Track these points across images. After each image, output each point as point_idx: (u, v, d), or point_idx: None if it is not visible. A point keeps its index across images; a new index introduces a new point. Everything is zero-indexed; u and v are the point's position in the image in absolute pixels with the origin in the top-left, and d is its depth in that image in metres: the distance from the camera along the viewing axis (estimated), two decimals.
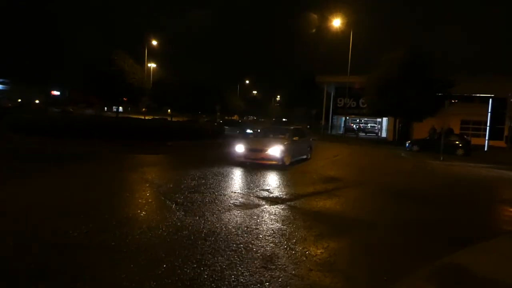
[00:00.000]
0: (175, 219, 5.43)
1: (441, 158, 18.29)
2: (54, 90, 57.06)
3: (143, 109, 41.45)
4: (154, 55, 44.08)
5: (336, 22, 30.11)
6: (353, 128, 44.23)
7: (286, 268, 3.96)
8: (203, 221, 5.38)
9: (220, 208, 6.15)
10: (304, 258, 4.27)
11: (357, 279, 3.86)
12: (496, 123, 32.12)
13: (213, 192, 7.35)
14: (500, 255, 4.63)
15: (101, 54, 31.94)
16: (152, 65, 50.83)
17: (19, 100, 51.26)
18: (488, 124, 32.42)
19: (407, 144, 24.11)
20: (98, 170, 9.49)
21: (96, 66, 30.96)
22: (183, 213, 5.76)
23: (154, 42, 37.39)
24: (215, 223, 5.32)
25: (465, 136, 24.55)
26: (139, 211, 5.77)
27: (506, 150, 26.31)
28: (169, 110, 47.33)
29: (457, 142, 21.94)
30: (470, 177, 13.11)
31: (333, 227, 5.59)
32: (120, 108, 46.50)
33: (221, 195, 7.13)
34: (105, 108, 59.21)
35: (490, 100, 31.63)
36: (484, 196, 9.54)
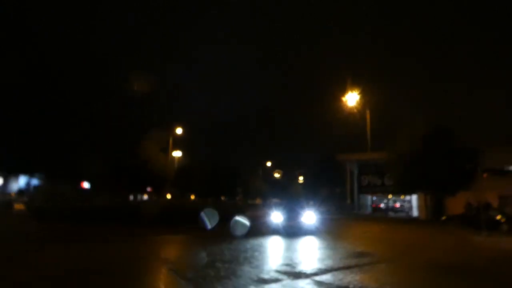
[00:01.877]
0: None
1: (484, 234, 16.54)
2: (83, 182, 59.45)
3: (167, 195, 41.78)
4: (177, 141, 46.13)
5: (353, 99, 31.12)
6: (381, 208, 42.09)
7: None
8: None
9: (235, 284, 5.44)
10: None
11: None
12: None
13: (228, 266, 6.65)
14: None
15: (128, 147, 33.66)
16: (177, 153, 52.97)
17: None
18: None
19: (443, 219, 22.35)
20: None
21: (122, 158, 32.41)
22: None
23: (179, 131, 39.35)
24: None
25: (507, 210, 22.57)
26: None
27: None
28: (192, 196, 47.41)
29: (499, 217, 20.07)
30: None
31: None
32: (145, 197, 47.12)
33: (237, 269, 6.41)
34: (131, 197, 60.06)
35: None
36: None
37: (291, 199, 19.88)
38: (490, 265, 8.67)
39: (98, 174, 34.41)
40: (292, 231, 12.70)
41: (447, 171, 24.11)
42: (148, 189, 42.44)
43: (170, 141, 38.68)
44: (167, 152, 37.62)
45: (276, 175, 74.73)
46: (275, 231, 12.99)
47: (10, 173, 41.66)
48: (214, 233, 13.96)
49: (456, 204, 27.42)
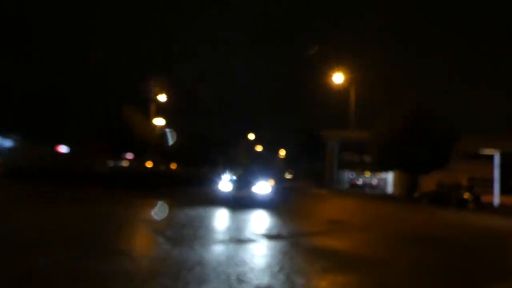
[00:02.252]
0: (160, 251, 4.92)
1: (452, 211, 17.47)
2: (61, 146, 57.84)
3: (148, 163, 41.55)
4: (162, 108, 45.27)
5: (339, 78, 31.12)
6: (358, 184, 43.43)
7: None
8: (191, 253, 4.85)
9: (211, 243, 5.61)
10: None
11: None
12: (504, 178, 31.34)
13: (206, 228, 6.82)
14: None
15: (111, 110, 32.89)
16: (160, 120, 52.12)
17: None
18: (496, 180, 31.61)
19: (416, 197, 23.38)
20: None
21: (106, 120, 31.74)
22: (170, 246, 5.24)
23: (163, 98, 38.53)
24: (204, 255, 4.79)
25: (475, 190, 23.80)
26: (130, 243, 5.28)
27: None
28: (174, 165, 47.37)
29: (467, 196, 21.17)
30: (484, 227, 12.26)
31: (340, 263, 4.98)
32: (124, 164, 46.65)
33: (214, 231, 6.59)
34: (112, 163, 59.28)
35: (496, 155, 31.23)
36: (501, 243, 8.75)
37: (248, 166, 17.50)
38: (452, 236, 9.28)
39: (79, 137, 33.60)
40: (242, 202, 10.97)
41: (424, 152, 24.92)
42: (129, 155, 41.94)
43: (153, 107, 37.90)
44: (149, 118, 36.97)
45: (259, 148, 75.24)
46: (222, 202, 11.21)
47: None
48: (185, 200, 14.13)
49: (429, 183, 28.69)
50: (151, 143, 35.79)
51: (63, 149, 48.11)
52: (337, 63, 35.76)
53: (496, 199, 30.61)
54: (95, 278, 3.66)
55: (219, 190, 11.72)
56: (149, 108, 39.73)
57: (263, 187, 11.44)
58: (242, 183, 11.56)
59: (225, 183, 11.62)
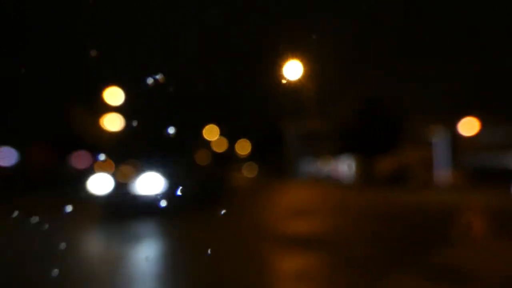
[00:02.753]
0: None
1: (404, 190, 18.71)
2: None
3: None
4: (111, 107, 43.23)
5: (298, 68, 31.61)
6: (317, 172, 44.88)
7: (256, 283, 3.41)
8: None
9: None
10: (277, 272, 3.74)
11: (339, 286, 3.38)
12: (445, 156, 33.96)
13: None
14: (472, 251, 4.41)
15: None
16: (113, 119, 49.62)
17: None
18: (439, 161, 34.21)
19: (369, 179, 24.78)
20: None
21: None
22: None
23: (114, 94, 36.63)
24: None
25: (423, 170, 25.70)
26: None
27: (459, 184, 27.74)
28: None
29: (415, 176, 22.79)
30: (431, 203, 13.27)
31: (307, 246, 5.11)
32: None
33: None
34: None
35: (446, 136, 33.75)
36: (446, 215, 9.53)
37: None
38: (402, 212, 10.01)
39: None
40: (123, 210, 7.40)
41: (378, 139, 26.44)
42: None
43: (102, 102, 35.84)
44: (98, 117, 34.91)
45: (223, 141, 74.67)
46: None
47: None
48: None
49: (384, 166, 30.47)
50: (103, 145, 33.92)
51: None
52: (293, 52, 36.28)
53: (445, 178, 33.20)
54: None
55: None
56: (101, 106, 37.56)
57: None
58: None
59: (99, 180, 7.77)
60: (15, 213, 3.48)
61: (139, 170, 7.76)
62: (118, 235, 5.90)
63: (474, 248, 5.01)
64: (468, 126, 31.71)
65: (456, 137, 31.61)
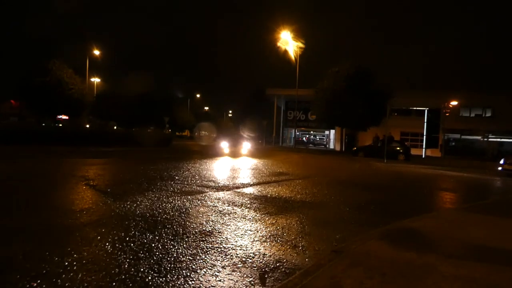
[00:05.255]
0: (101, 204, 4.72)
1: (385, 161, 19.10)
2: None
3: (86, 125, 38.61)
4: (97, 66, 41.74)
5: (286, 36, 30.87)
6: (303, 140, 45.29)
7: (227, 241, 3.51)
8: (134, 206, 4.74)
9: (156, 195, 5.53)
10: (249, 232, 3.85)
11: (305, 246, 3.51)
12: (431, 133, 34.70)
13: (151, 183, 6.67)
14: (443, 220, 4.60)
15: (37, 63, 29.49)
16: (96, 79, 48.12)
17: None
18: (424, 134, 34.93)
19: (354, 150, 25.07)
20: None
21: (32, 76, 28.50)
22: (112, 199, 5.05)
23: (97, 52, 35.28)
24: (148, 207, 4.71)
25: (405, 143, 26.13)
26: (71, 199, 4.96)
27: (441, 158, 28.43)
28: (114, 126, 44.74)
29: (398, 148, 23.18)
30: (410, 173, 13.70)
31: (282, 207, 5.24)
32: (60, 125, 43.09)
33: (160, 185, 6.48)
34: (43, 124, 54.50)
35: (426, 111, 34.20)
36: (423, 185, 9.88)
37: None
38: (379, 181, 10.27)
39: (4, 93, 30.05)
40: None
41: (363, 109, 26.47)
42: (63, 116, 38.68)
43: (87, 62, 34.69)
44: (84, 75, 33.86)
45: (206, 107, 73.83)
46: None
47: None
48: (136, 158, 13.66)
49: (366, 138, 30.87)
50: (87, 103, 33.15)
51: None
52: (283, 22, 35.33)
53: (423, 152, 34.14)
54: (31, 230, 3.43)
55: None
56: (83, 65, 36.31)
57: None
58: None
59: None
60: None
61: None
62: None
63: (437, 215, 5.25)
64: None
65: (441, 113, 32.11)
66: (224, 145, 17.64)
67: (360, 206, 5.78)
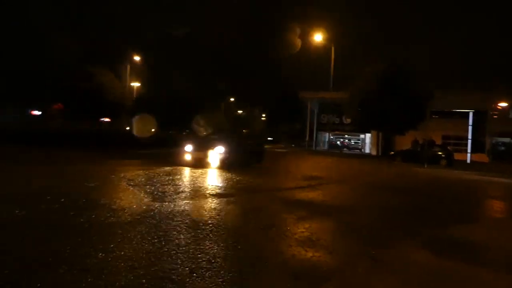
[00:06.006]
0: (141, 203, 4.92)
1: (425, 166, 18.26)
2: (33, 109, 55.47)
3: (126, 127, 40.43)
4: (136, 70, 43.71)
5: (318, 37, 30.56)
6: (337, 144, 44.41)
7: (260, 244, 3.52)
8: (172, 206, 4.89)
9: (192, 196, 5.66)
10: (283, 236, 3.83)
11: (340, 252, 3.44)
12: (477, 137, 32.62)
13: (186, 185, 6.85)
14: (491, 229, 4.31)
15: (80, 69, 31.44)
16: (136, 84, 50.32)
17: None
18: (469, 138, 32.91)
19: (391, 154, 24.16)
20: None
21: (75, 81, 30.43)
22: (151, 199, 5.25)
23: (137, 58, 36.98)
24: (184, 208, 4.84)
25: (448, 147, 24.74)
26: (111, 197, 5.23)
27: (488, 164, 26.62)
28: (152, 129, 46.32)
29: (439, 153, 22.02)
30: (453, 179, 12.97)
31: (315, 212, 5.17)
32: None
33: (195, 186, 6.63)
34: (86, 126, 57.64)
35: (471, 114, 32.26)
36: (467, 192, 9.33)
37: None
38: (419, 186, 9.83)
39: (49, 100, 32.28)
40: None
41: (400, 111, 25.35)
42: (105, 119, 40.68)
43: (128, 68, 36.39)
44: (124, 80, 35.59)
45: (240, 111, 74.61)
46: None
47: None
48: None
49: (404, 141, 29.61)
50: (127, 106, 34.75)
51: (35, 111, 45.94)
52: (316, 23, 35.02)
53: (468, 157, 32.09)
54: (75, 227, 3.65)
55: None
56: (123, 69, 38.17)
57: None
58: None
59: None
60: None
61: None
62: None
63: (484, 224, 4.93)
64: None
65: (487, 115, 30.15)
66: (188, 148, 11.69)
67: (399, 212, 5.57)
